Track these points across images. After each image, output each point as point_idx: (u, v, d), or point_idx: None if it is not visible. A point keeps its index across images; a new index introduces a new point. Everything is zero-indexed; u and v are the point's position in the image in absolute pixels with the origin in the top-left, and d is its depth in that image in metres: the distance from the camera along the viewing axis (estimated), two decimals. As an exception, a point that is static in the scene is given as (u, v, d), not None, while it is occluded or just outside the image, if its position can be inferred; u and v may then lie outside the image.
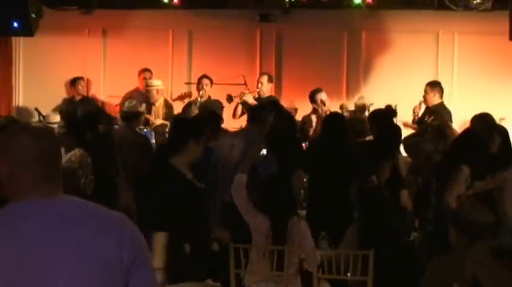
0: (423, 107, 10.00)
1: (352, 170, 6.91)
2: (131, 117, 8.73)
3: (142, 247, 2.37)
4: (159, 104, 10.59)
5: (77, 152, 7.04)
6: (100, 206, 2.41)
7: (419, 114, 10.00)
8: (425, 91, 9.90)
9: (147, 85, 10.72)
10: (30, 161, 2.33)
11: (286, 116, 8.20)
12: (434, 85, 9.97)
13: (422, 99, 9.96)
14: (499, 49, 10.89)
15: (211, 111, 8.31)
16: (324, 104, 10.09)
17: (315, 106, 9.88)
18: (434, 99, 9.84)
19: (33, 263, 2.25)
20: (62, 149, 6.93)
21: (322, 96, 9.89)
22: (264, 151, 6.47)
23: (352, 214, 6.52)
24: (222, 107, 10.16)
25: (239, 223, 5.85)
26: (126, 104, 9.00)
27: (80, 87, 11.60)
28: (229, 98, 10.41)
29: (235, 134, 7.57)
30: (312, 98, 9.91)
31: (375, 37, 11.62)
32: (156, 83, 10.76)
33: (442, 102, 9.87)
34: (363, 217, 5.93)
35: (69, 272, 2.25)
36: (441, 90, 9.92)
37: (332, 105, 10.11)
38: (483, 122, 7.32)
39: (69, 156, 6.99)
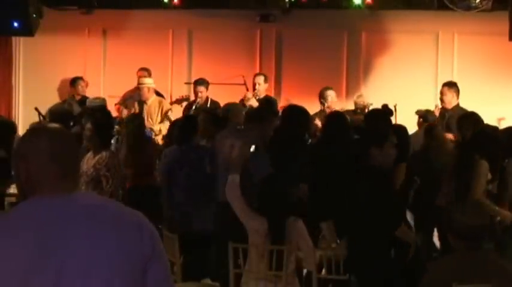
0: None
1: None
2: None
3: (158, 239, 2.44)
4: (150, 102, 10.59)
5: (103, 154, 7.03)
6: (117, 203, 2.48)
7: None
8: (443, 93, 9.53)
9: (138, 83, 10.74)
10: (46, 160, 2.39)
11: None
12: (452, 85, 9.62)
13: (439, 102, 9.62)
14: (499, 49, 10.89)
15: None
16: (326, 101, 10.12)
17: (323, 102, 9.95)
18: (453, 101, 9.49)
19: (50, 260, 2.27)
20: (90, 152, 6.96)
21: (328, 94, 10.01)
22: (252, 148, 6.43)
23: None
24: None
25: (235, 222, 5.84)
26: (90, 99, 9.28)
27: (79, 87, 11.59)
28: None
29: (234, 134, 7.52)
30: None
31: (375, 37, 11.62)
32: (148, 81, 10.76)
33: (458, 104, 9.54)
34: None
35: (88, 268, 2.28)
36: (458, 91, 9.58)
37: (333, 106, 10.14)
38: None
39: (97, 159, 6.98)
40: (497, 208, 6.57)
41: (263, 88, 10.69)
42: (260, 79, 10.73)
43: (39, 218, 2.32)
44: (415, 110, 9.68)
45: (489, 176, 6.62)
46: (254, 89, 10.69)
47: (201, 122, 7.80)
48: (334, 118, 7.58)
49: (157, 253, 2.40)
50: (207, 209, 7.06)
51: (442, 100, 9.61)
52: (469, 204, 4.34)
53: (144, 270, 2.35)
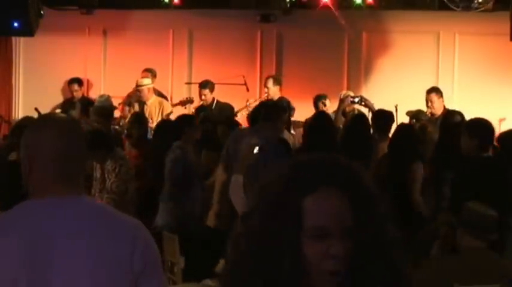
0: None
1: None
2: (105, 114, 9.12)
3: (154, 255, 2.32)
4: (151, 102, 10.59)
5: (108, 160, 7.04)
6: (116, 211, 2.36)
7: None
8: (432, 100, 9.51)
9: (137, 85, 10.72)
10: (48, 161, 2.29)
11: None
12: (439, 91, 9.66)
13: (430, 109, 9.51)
14: (500, 50, 10.88)
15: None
16: (325, 105, 10.09)
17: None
18: (441, 106, 9.53)
19: (37, 265, 2.22)
20: (94, 164, 6.96)
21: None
22: (256, 149, 6.40)
23: None
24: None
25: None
26: (98, 98, 9.28)
27: (72, 91, 11.56)
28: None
29: (250, 133, 7.43)
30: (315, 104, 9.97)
31: (376, 38, 11.61)
32: (146, 81, 10.76)
33: (445, 107, 9.55)
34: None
35: (74, 276, 2.22)
36: (442, 95, 9.68)
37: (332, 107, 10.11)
38: None
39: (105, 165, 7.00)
40: None
41: (274, 91, 10.55)
42: (269, 82, 10.60)
43: (29, 224, 2.26)
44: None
45: None
46: (265, 92, 10.55)
47: (221, 135, 7.78)
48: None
49: (150, 268, 2.28)
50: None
51: (431, 107, 9.53)
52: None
53: (135, 285, 2.25)
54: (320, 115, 8.16)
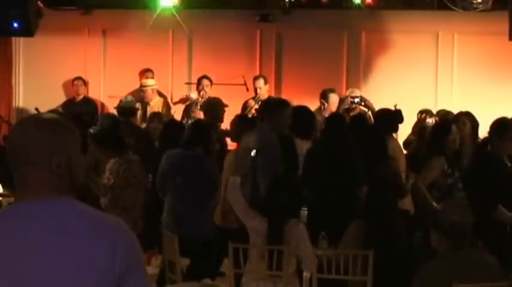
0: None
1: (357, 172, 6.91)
2: (128, 112, 9.15)
3: (136, 254, 2.29)
4: (154, 103, 10.64)
5: (111, 161, 7.02)
6: (98, 211, 2.33)
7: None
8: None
9: (141, 85, 10.79)
10: (25, 161, 2.26)
11: None
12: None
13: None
14: (499, 49, 10.89)
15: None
16: (324, 105, 10.11)
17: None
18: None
19: (19, 267, 2.21)
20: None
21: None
22: (253, 153, 6.39)
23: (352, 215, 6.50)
24: (223, 106, 10.00)
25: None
26: (123, 100, 9.30)
27: (76, 87, 11.62)
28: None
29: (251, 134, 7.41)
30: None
31: (375, 37, 11.62)
32: (150, 82, 10.83)
33: None
34: (367, 217, 5.93)
35: (55, 278, 2.20)
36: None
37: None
38: None
39: (108, 172, 7.00)
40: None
41: (265, 91, 10.65)
42: (260, 82, 10.67)
43: (7, 228, 2.24)
44: (415, 109, 9.70)
45: None
46: (256, 93, 10.62)
47: (232, 125, 7.75)
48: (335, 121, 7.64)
49: (133, 270, 2.24)
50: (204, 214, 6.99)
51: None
52: (454, 203, 4.33)
53: (118, 286, 2.23)
54: (335, 116, 8.18)
